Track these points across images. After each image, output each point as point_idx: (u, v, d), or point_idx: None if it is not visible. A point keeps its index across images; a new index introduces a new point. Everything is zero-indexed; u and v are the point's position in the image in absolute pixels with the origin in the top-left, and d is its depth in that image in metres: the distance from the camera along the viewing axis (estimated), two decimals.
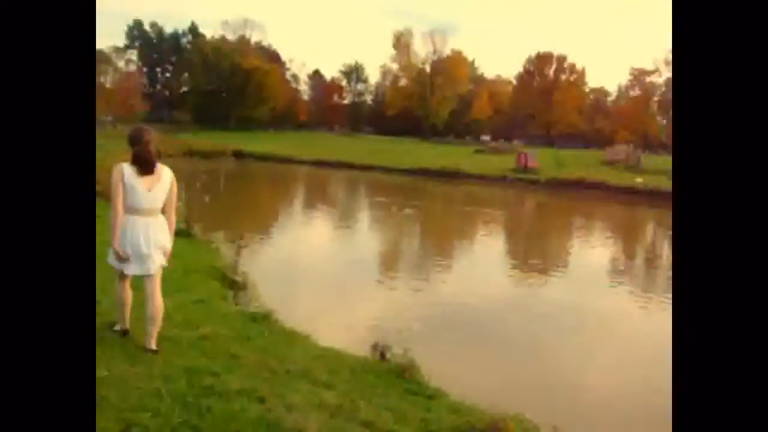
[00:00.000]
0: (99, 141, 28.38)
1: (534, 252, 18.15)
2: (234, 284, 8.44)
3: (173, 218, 5.18)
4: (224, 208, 19.54)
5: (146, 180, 4.84)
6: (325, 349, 6.22)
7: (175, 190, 5.10)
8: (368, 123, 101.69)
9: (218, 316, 6.32)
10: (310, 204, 27.44)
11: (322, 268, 12.84)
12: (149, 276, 5.05)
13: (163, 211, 5.04)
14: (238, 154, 51.61)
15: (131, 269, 4.94)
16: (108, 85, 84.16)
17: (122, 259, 4.86)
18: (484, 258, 16.29)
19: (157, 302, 5.08)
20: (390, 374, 5.64)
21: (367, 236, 19.00)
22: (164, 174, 4.98)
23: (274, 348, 5.71)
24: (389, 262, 14.75)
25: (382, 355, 6.24)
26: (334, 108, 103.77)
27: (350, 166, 46.61)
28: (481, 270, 14.29)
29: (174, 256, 8.84)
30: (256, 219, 19.92)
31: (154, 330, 5.02)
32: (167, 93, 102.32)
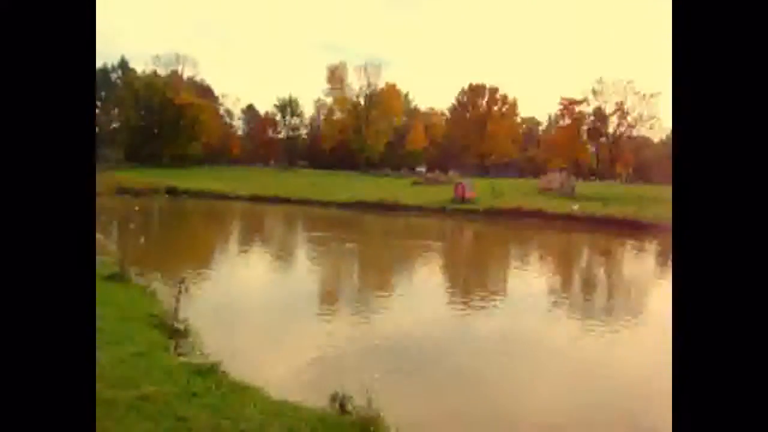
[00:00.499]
0: None
1: (475, 281, 18.04)
2: (175, 332, 7.92)
3: None
4: (159, 248, 18.88)
5: None
6: (280, 404, 5.81)
7: None
8: (303, 157, 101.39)
9: (160, 371, 5.84)
10: (247, 241, 26.81)
11: (263, 310, 12.38)
12: None
13: None
14: (172, 191, 50.37)
15: None
16: None
17: None
18: (425, 289, 16.06)
19: None
20: (353, 429, 5.26)
21: (306, 272, 18.53)
22: None
23: (224, 406, 5.29)
24: (330, 298, 14.37)
25: (342, 407, 5.84)
26: (269, 143, 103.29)
27: (287, 201, 46.03)
28: (423, 301, 14.06)
29: (107, 303, 8.37)
30: (192, 259, 19.24)
31: None
32: (96, 130, 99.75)
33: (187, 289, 8.04)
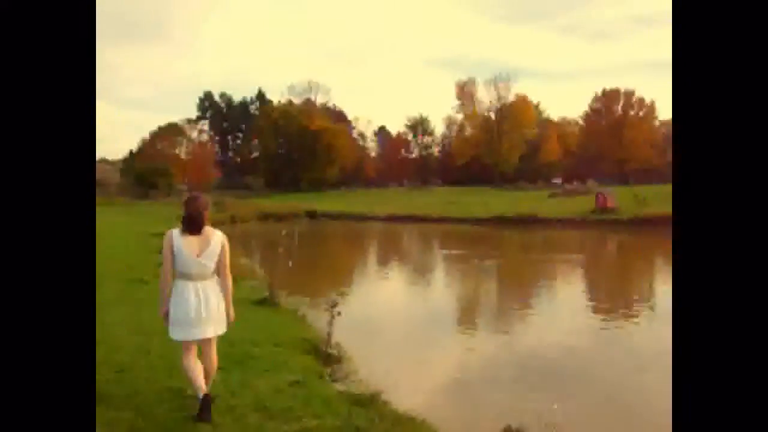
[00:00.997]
0: (173, 210, 28.67)
1: (624, 295, 16.94)
2: (328, 358, 7.81)
3: (228, 282, 5.18)
4: (304, 270, 19.19)
5: (195, 244, 4.95)
6: None
7: (227, 253, 5.13)
8: (436, 175, 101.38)
9: (319, 401, 5.67)
10: (386, 260, 26.85)
11: (408, 330, 12.11)
12: (203, 340, 5.15)
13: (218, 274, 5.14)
14: (312, 214, 51.88)
15: (179, 334, 5.00)
16: (183, 156, 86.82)
17: (168, 322, 4.99)
18: (570, 307, 15.20)
19: (212, 362, 5.29)
20: None
21: (447, 291, 18.15)
22: (214, 238, 5.07)
23: None
24: (471, 317, 13.94)
25: None
26: (402, 162, 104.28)
27: (423, 219, 46.07)
28: (569, 319, 13.28)
29: (260, 328, 8.42)
30: (335, 279, 19.45)
31: (209, 380, 5.21)
32: (238, 159, 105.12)
33: (339, 313, 7.91)
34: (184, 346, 5.05)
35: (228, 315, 5.22)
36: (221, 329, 5.20)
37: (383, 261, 27.00)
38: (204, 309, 4.94)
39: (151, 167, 65.93)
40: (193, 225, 4.98)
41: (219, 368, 5.58)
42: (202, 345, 5.19)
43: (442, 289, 18.69)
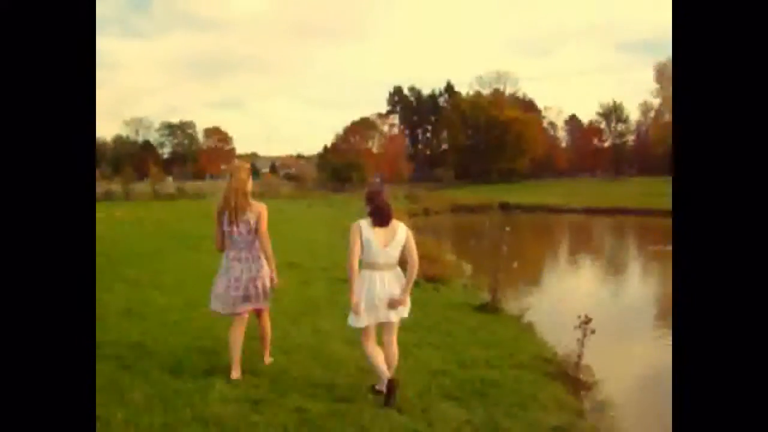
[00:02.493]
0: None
1: None
2: (579, 385, 6.43)
3: (414, 269, 5.23)
4: (523, 271, 17.75)
5: (381, 235, 5.10)
6: None
7: (412, 244, 5.24)
8: (631, 165, 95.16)
9: None
10: (614, 257, 24.41)
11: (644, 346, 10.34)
12: (386, 324, 5.32)
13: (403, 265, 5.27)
14: (505, 206, 50.17)
15: (362, 321, 5.14)
16: (375, 150, 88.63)
17: (358, 313, 5.11)
18: None
19: (394, 350, 5.39)
20: None
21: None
22: (399, 230, 5.20)
23: None
24: None
25: None
26: (595, 152, 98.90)
27: (622, 212, 42.47)
28: None
29: (490, 344, 7.26)
30: (540, 276, 17.88)
31: (388, 371, 5.20)
32: (428, 152, 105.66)
33: (593, 331, 6.51)
34: (365, 332, 5.22)
35: (406, 300, 5.27)
36: (405, 312, 5.33)
37: (611, 258, 24.56)
38: (386, 296, 5.11)
39: (345, 162, 67.74)
40: (384, 217, 5.13)
41: (456, 398, 5.41)
42: (384, 333, 5.39)
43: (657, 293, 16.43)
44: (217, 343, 6.49)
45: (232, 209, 5.39)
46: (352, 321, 5.17)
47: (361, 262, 5.13)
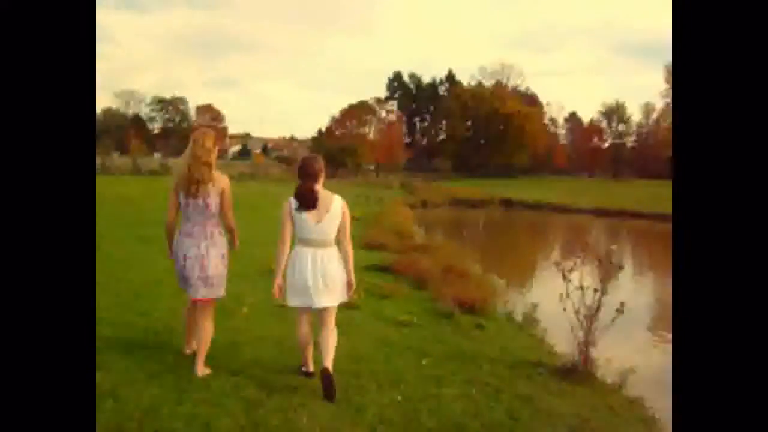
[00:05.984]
0: (361, 191, 25.84)
1: None
2: None
3: (349, 248, 4.95)
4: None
5: (314, 211, 4.81)
6: None
7: (347, 219, 4.93)
8: (631, 166, 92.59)
9: None
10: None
11: None
12: (321, 309, 4.97)
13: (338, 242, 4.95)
14: (507, 203, 47.54)
15: (291, 302, 4.94)
16: (371, 136, 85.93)
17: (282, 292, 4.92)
18: None
19: (330, 339, 4.98)
20: None
21: None
22: (334, 204, 4.87)
23: None
24: None
25: None
26: (594, 151, 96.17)
27: (639, 216, 39.43)
28: None
29: None
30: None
31: (325, 360, 4.85)
32: (425, 142, 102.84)
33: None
34: (298, 315, 5.07)
35: (349, 284, 5.00)
36: (341, 299, 5.02)
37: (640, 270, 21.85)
38: (321, 277, 4.79)
39: (339, 146, 65.21)
40: (307, 202, 4.79)
41: None
42: (321, 316, 5.01)
43: None
44: None
45: (192, 180, 4.87)
46: (288, 301, 4.97)
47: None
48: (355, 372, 5.42)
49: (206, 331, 5.04)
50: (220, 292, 5.09)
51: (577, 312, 6.21)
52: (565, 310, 6.25)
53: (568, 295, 6.25)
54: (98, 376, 4.76)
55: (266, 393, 4.76)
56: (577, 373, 6.02)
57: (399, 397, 4.95)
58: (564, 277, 6.37)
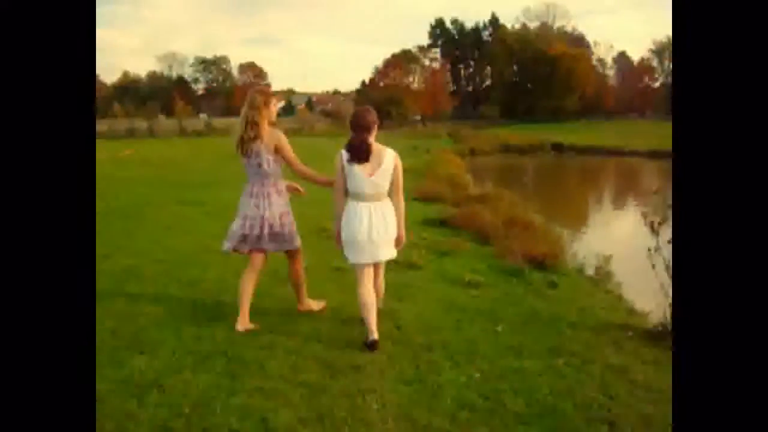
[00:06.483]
0: (408, 141, 25.04)
1: None
2: None
3: (401, 203, 4.88)
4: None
5: (366, 165, 4.70)
6: None
7: (400, 173, 4.82)
8: None
9: None
10: None
11: None
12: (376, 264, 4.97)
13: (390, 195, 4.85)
14: (558, 148, 46.16)
15: (359, 258, 4.79)
16: (415, 86, 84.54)
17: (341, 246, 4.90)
18: None
19: (380, 284, 5.14)
20: None
21: None
22: (386, 157, 4.74)
23: None
24: None
25: None
26: (645, 92, 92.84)
27: None
28: None
29: None
30: None
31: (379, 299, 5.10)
32: (470, 89, 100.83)
33: None
34: (358, 273, 4.86)
35: (399, 238, 4.91)
36: (394, 252, 4.95)
37: None
38: (384, 231, 4.73)
39: (384, 96, 64.24)
40: (359, 154, 4.68)
41: None
42: (375, 269, 5.03)
43: None
44: None
45: (240, 140, 4.94)
46: (350, 258, 4.87)
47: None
48: (425, 345, 4.84)
49: (301, 274, 5.40)
50: (294, 244, 5.19)
51: (668, 268, 5.51)
52: (654, 267, 5.57)
53: (657, 249, 5.58)
54: (142, 361, 4.33)
55: (329, 375, 4.25)
56: (668, 337, 5.30)
57: (477, 375, 4.36)
58: (652, 229, 5.68)
